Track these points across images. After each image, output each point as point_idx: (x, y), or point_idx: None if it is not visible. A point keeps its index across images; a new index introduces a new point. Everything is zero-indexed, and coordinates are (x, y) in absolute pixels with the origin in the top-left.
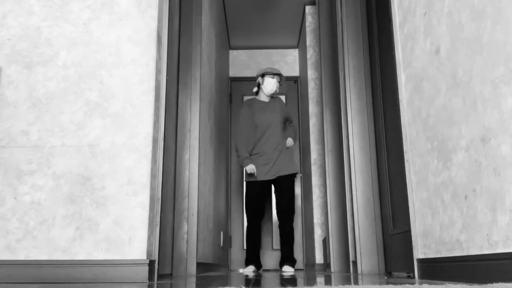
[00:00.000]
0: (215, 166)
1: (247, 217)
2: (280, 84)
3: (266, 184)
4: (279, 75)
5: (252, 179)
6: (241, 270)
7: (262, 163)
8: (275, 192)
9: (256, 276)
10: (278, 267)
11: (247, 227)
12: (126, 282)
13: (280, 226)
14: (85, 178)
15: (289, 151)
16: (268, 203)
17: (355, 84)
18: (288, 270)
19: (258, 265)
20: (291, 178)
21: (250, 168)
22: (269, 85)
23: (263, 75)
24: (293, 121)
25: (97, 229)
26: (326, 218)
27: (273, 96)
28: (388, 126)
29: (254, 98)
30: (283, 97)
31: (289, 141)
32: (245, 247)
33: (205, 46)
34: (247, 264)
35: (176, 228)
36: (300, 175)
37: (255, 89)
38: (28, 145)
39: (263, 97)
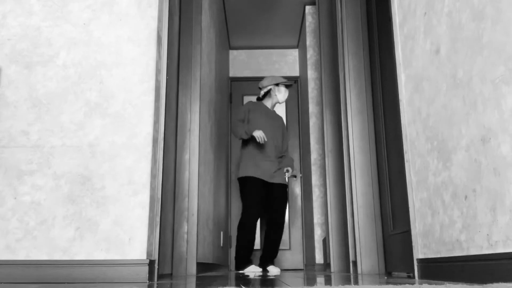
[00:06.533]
0: (215, 166)
1: (249, 216)
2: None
3: (265, 185)
4: (291, 86)
5: (254, 175)
6: (246, 271)
7: (266, 164)
8: (269, 199)
9: (261, 276)
10: (279, 267)
11: (247, 226)
12: (126, 282)
13: (269, 235)
14: (85, 178)
15: (281, 164)
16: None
17: (355, 84)
18: (274, 271)
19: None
20: (285, 188)
21: (259, 133)
22: (285, 95)
23: (277, 84)
24: (287, 151)
25: (97, 229)
26: (326, 218)
27: (274, 109)
28: (388, 126)
29: (259, 103)
30: None
31: (289, 169)
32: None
33: (205, 46)
34: (244, 264)
35: (176, 228)
36: (300, 175)
37: (262, 94)
38: (28, 145)
39: (270, 105)
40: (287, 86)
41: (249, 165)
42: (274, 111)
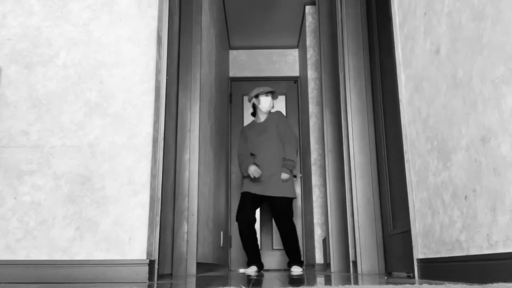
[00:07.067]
0: (215, 166)
1: (238, 224)
2: (275, 98)
3: (257, 198)
4: (272, 92)
5: (245, 189)
6: (242, 270)
7: (255, 180)
8: (272, 211)
9: (257, 276)
10: (279, 267)
11: (239, 233)
12: (126, 282)
13: (281, 240)
14: (85, 178)
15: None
16: (266, 205)
17: (355, 84)
18: (295, 270)
19: (260, 266)
20: (283, 201)
21: (251, 171)
22: (266, 103)
23: (256, 96)
24: (286, 145)
25: (97, 229)
26: (326, 218)
27: (269, 113)
28: (388, 126)
29: (252, 121)
30: (283, 97)
31: (283, 176)
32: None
33: (205, 46)
34: (249, 265)
35: (176, 228)
36: (300, 175)
37: (251, 111)
38: (28, 145)
39: (260, 117)
40: (269, 94)
41: (245, 181)
42: (267, 119)
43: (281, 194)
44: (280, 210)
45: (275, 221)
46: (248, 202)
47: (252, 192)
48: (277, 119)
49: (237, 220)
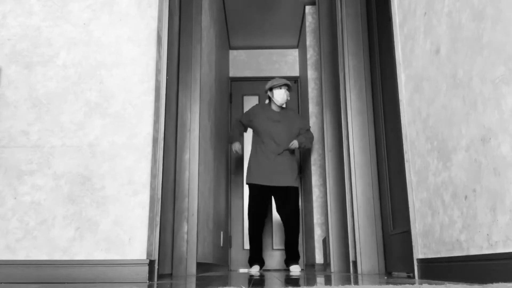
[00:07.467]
0: (215, 166)
1: (248, 218)
2: (290, 91)
3: (265, 188)
4: (287, 84)
5: (252, 181)
6: (246, 270)
7: (262, 169)
8: (276, 202)
9: (259, 276)
10: (279, 267)
11: (249, 227)
12: (126, 282)
13: (285, 232)
14: (85, 178)
15: (292, 164)
16: (270, 204)
17: (355, 84)
18: (295, 270)
19: (261, 263)
20: (291, 190)
21: (234, 147)
22: (279, 96)
23: (271, 89)
24: (307, 133)
25: (97, 229)
26: (326, 218)
27: (283, 108)
28: (388, 126)
29: (269, 106)
30: None
31: (293, 142)
32: (245, 247)
33: (205, 46)
34: (251, 263)
35: (176, 228)
36: (300, 175)
37: (267, 102)
38: (28, 145)
39: (274, 107)
40: (283, 87)
41: (251, 171)
42: (282, 111)
43: (288, 183)
44: (288, 199)
45: (280, 211)
46: (257, 194)
47: (258, 183)
48: (295, 117)
49: (250, 213)
